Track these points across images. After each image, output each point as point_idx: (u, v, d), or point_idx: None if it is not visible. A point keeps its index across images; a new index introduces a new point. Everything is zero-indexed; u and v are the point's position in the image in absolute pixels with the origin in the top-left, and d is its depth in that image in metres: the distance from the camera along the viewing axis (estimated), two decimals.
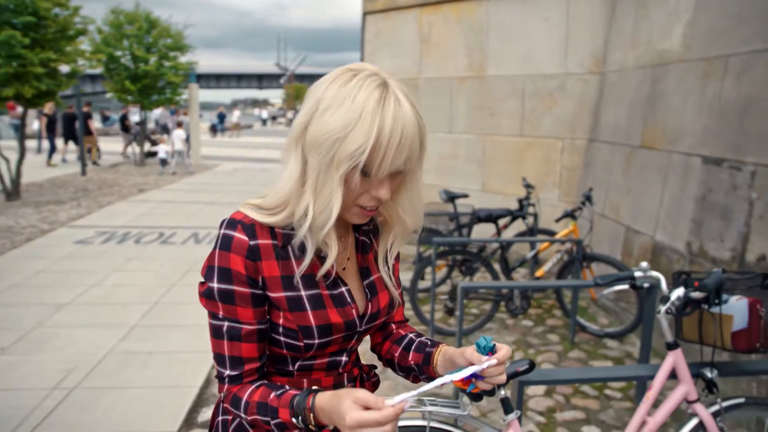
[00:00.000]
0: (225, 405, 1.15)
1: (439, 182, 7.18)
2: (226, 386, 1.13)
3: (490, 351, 1.11)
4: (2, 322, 4.54)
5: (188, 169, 15.53)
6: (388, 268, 1.27)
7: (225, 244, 1.08)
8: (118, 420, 3.22)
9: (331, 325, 1.13)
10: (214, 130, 34.30)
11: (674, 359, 2.18)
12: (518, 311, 4.94)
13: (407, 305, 4.67)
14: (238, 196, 11.09)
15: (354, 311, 1.17)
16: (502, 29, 6.96)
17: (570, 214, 4.95)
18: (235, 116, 37.03)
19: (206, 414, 3.36)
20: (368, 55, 8.48)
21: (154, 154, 16.85)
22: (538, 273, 5.20)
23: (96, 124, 17.57)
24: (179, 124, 16.56)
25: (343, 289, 1.17)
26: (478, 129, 7.31)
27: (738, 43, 3.87)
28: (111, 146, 20.31)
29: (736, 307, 2.13)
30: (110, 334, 4.37)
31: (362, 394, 0.95)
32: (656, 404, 2.27)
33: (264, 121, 57.94)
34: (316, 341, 1.12)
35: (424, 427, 1.81)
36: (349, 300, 1.17)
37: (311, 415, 1.02)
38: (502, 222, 5.49)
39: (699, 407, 2.16)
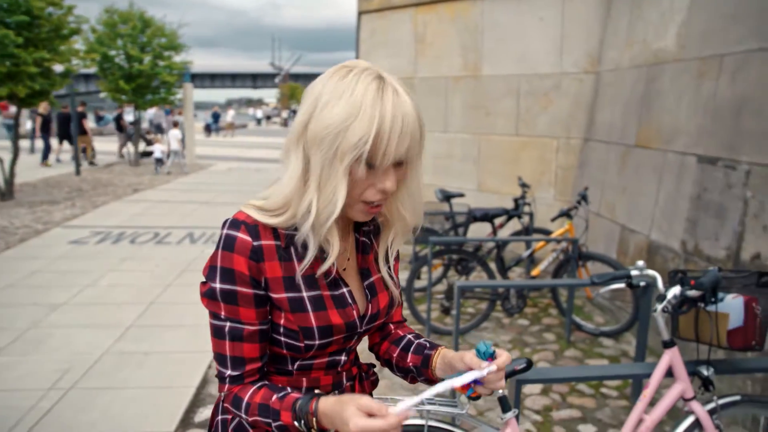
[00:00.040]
0: (225, 405, 1.15)
1: (435, 182, 7.19)
2: (226, 386, 1.13)
3: (490, 356, 1.12)
4: None
5: (183, 168, 15.49)
6: (389, 267, 1.28)
7: (228, 244, 1.08)
8: (115, 420, 3.21)
9: (331, 326, 1.13)
10: (208, 129, 34.21)
11: (671, 357, 2.19)
12: (514, 310, 4.95)
13: (404, 304, 4.68)
14: (233, 196, 11.08)
15: (355, 312, 1.18)
16: (497, 29, 6.98)
17: (566, 214, 4.97)
18: (229, 116, 36.96)
19: (203, 414, 3.35)
20: (363, 55, 8.48)
21: (149, 153, 16.80)
22: (534, 272, 5.22)
23: (90, 123, 17.48)
24: (175, 124, 16.52)
25: (345, 290, 1.17)
26: (473, 128, 7.32)
27: (732, 43, 3.89)
28: (105, 146, 20.23)
29: (732, 306, 2.14)
30: (106, 335, 4.35)
31: (366, 401, 0.95)
32: (652, 402, 2.28)
33: (259, 121, 57.83)
34: (317, 342, 1.13)
35: (422, 426, 1.82)
36: (350, 301, 1.17)
37: (314, 419, 1.02)
38: (497, 221, 5.50)
39: (695, 405, 2.17)
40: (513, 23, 6.85)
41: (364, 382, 1.31)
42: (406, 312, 4.65)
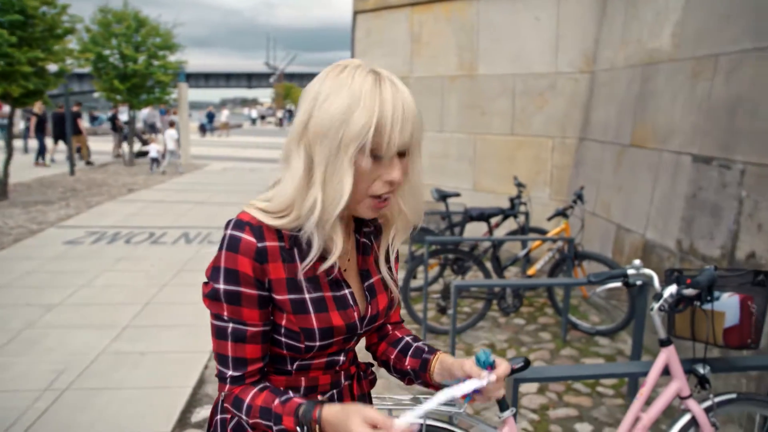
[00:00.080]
0: (226, 405, 1.15)
1: (431, 181, 7.19)
2: (227, 386, 1.13)
3: (490, 365, 1.13)
4: None
5: (178, 168, 15.46)
6: (389, 268, 1.28)
7: (233, 245, 1.07)
8: (111, 421, 3.20)
9: (332, 327, 1.13)
10: (203, 129, 34.16)
11: (667, 356, 2.20)
12: (510, 309, 4.96)
13: (401, 304, 4.68)
14: (228, 196, 11.07)
15: (356, 314, 1.18)
16: (492, 28, 6.99)
17: (562, 213, 4.98)
18: (223, 115, 36.90)
19: (200, 414, 3.35)
20: (359, 54, 8.48)
21: (145, 153, 16.76)
22: (530, 271, 5.23)
23: (84, 123, 17.41)
24: (171, 124, 16.49)
25: (347, 291, 1.17)
26: (469, 128, 7.33)
27: (727, 43, 3.91)
28: (100, 146, 20.15)
29: (728, 304, 2.16)
30: (101, 335, 4.34)
31: (371, 413, 0.96)
32: (648, 401, 2.29)
33: (253, 121, 57.77)
34: (318, 343, 1.13)
35: (420, 424, 1.82)
36: (351, 303, 1.17)
37: (317, 426, 1.02)
38: (494, 221, 5.51)
39: (691, 403, 2.18)
40: (508, 23, 6.86)
41: (363, 381, 1.31)
42: (402, 312, 4.65)
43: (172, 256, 6.64)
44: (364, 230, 1.25)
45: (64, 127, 15.21)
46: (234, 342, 1.10)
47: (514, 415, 1.93)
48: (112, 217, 8.93)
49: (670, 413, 2.85)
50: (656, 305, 2.13)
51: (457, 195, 5.97)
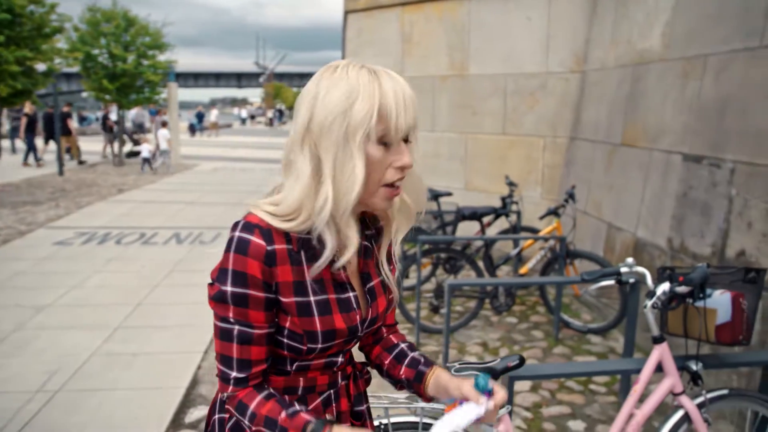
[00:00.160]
0: (228, 407, 1.14)
1: None
2: (230, 388, 1.12)
3: (488, 392, 1.15)
4: None
5: (168, 168, 15.39)
6: (392, 264, 1.29)
7: (241, 247, 1.07)
8: (104, 422, 3.19)
9: (335, 330, 1.14)
10: (192, 129, 33.98)
11: (660, 352, 2.22)
12: (503, 308, 4.98)
13: None
14: (219, 196, 11.02)
15: (358, 317, 1.18)
16: (483, 28, 7.01)
17: (553, 212, 5.00)
18: (213, 115, 36.69)
19: (193, 415, 3.34)
20: (350, 54, 8.48)
21: (137, 153, 16.68)
22: (522, 270, 5.25)
23: (73, 123, 17.27)
24: (164, 124, 16.42)
25: (351, 294, 1.18)
26: (460, 127, 7.35)
27: (716, 43, 3.94)
28: (89, 146, 20.01)
29: (720, 301, 2.18)
30: (93, 336, 4.31)
31: None
32: (641, 398, 2.31)
33: (243, 120, 57.58)
34: (319, 345, 1.13)
35: (417, 423, 1.83)
36: (354, 305, 1.18)
37: None
38: (486, 220, 5.53)
39: (684, 399, 2.20)
40: (499, 23, 6.89)
41: (359, 380, 1.32)
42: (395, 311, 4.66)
43: (164, 257, 6.61)
44: (366, 233, 1.25)
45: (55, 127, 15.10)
46: (239, 344, 1.10)
47: (510, 413, 1.94)
48: (102, 217, 8.88)
49: (663, 410, 2.87)
50: (649, 303, 2.15)
51: (449, 194, 5.98)
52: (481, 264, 5.07)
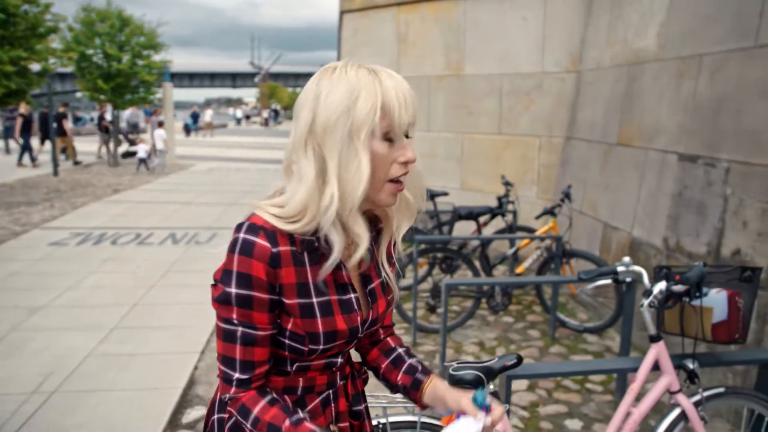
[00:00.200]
0: (230, 409, 1.14)
1: None
2: (233, 389, 1.12)
3: (486, 408, 1.16)
4: None
5: (164, 169, 15.37)
6: (392, 262, 1.29)
7: (246, 249, 1.06)
8: (101, 423, 3.18)
9: (336, 331, 1.14)
10: (187, 129, 33.89)
11: (657, 351, 2.23)
12: (499, 308, 4.99)
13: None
14: (214, 196, 11.00)
15: (359, 318, 1.18)
16: (479, 28, 7.02)
17: (549, 211, 5.02)
18: (207, 115, 36.59)
19: (190, 415, 3.33)
20: (345, 54, 8.48)
21: (133, 154, 16.64)
22: (519, 270, 5.26)
23: (68, 124, 17.23)
24: (161, 124, 16.39)
25: (352, 295, 1.18)
26: (456, 127, 7.36)
27: (711, 43, 3.96)
28: (83, 146, 19.94)
29: (716, 300, 2.19)
30: (89, 337, 4.30)
31: None
32: (638, 396, 2.32)
33: (238, 121, 57.48)
34: (321, 347, 1.13)
35: (415, 422, 1.83)
36: (356, 307, 1.18)
37: None
38: (482, 219, 5.54)
39: (681, 397, 2.21)
40: (495, 23, 6.90)
41: (356, 380, 1.33)
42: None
43: (159, 257, 6.59)
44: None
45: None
46: (243, 345, 1.10)
47: (507, 412, 1.95)
48: (97, 218, 8.85)
49: (659, 408, 2.88)
50: (646, 301, 2.16)
51: (446, 194, 5.99)
52: (477, 264, 5.08)
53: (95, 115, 19.82)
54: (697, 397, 2.23)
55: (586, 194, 5.69)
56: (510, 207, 5.63)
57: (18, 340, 4.22)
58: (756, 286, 2.23)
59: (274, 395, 1.14)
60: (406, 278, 5.48)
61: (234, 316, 1.08)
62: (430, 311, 5.00)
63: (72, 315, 4.74)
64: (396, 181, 1.11)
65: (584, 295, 5.21)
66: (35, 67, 10.77)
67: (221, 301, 1.08)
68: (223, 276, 1.08)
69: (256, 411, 1.10)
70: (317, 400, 1.22)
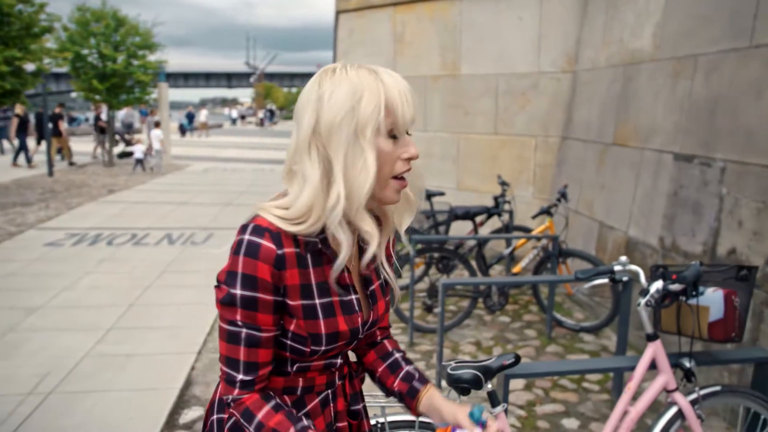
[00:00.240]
0: (233, 411, 1.14)
1: None
2: (236, 391, 1.12)
3: (482, 424, 1.18)
4: None
5: (160, 169, 15.34)
6: (393, 259, 1.30)
7: (251, 251, 1.06)
8: (98, 424, 3.17)
9: (338, 332, 1.14)
10: (182, 130, 33.82)
11: (654, 350, 2.24)
12: (496, 307, 5.00)
13: None
14: (210, 197, 10.98)
15: (359, 319, 1.19)
16: (475, 28, 7.03)
17: (546, 211, 5.03)
18: (202, 115, 36.50)
19: (188, 416, 3.32)
20: (341, 54, 8.48)
21: (129, 154, 16.60)
22: (515, 269, 5.27)
23: (64, 125, 17.16)
24: (157, 124, 16.35)
25: (353, 297, 1.19)
26: (452, 127, 7.37)
27: (706, 43, 3.98)
28: (79, 147, 19.87)
29: (712, 299, 2.20)
30: (85, 337, 4.29)
31: None
32: (635, 395, 2.33)
33: (234, 121, 57.41)
34: (323, 348, 1.14)
35: (413, 422, 1.84)
36: (357, 308, 1.19)
37: None
38: (478, 219, 5.55)
39: (678, 396, 2.22)
40: (491, 23, 6.91)
41: (354, 380, 1.33)
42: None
43: (156, 258, 6.57)
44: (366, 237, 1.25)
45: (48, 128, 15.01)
46: (247, 347, 1.10)
47: (505, 411, 1.95)
48: (93, 218, 8.82)
49: (656, 407, 2.90)
50: (643, 300, 2.17)
51: (442, 194, 5.99)
52: (474, 263, 5.09)
53: (90, 115, 19.75)
54: (693, 396, 2.24)
55: (582, 194, 5.71)
56: (506, 207, 5.64)
57: (14, 341, 4.20)
58: (752, 285, 2.24)
59: (278, 400, 1.14)
60: (402, 278, 5.48)
61: (238, 317, 1.08)
62: (427, 311, 5.00)
63: (68, 316, 4.72)
64: (400, 177, 1.12)
65: (580, 294, 5.23)
66: (30, 67, 10.74)
67: (226, 302, 1.08)
68: (227, 278, 1.08)
69: (260, 416, 1.10)
70: (316, 400, 1.22)
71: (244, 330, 1.09)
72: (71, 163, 16.23)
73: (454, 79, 7.28)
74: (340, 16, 8.44)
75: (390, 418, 1.84)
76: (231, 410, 1.15)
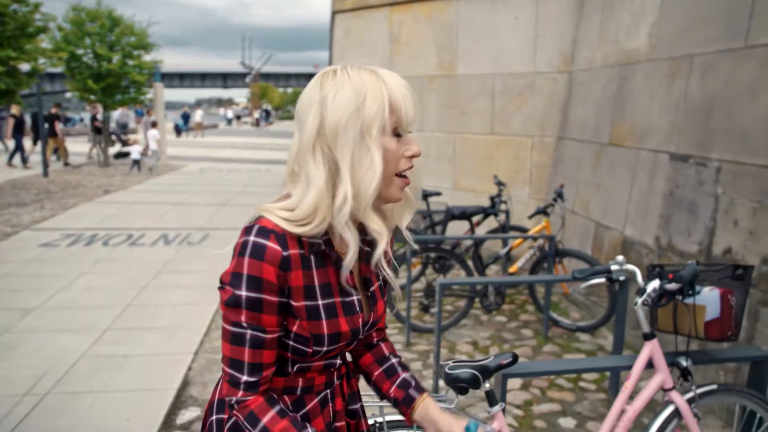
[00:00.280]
0: (236, 413, 1.13)
1: None
2: (240, 392, 1.11)
3: None
4: None
5: (156, 169, 15.31)
6: (392, 259, 1.30)
7: (257, 252, 1.05)
8: (95, 425, 3.16)
9: (340, 333, 1.15)
10: (177, 130, 33.74)
11: (651, 349, 2.24)
12: (492, 307, 5.01)
13: None
14: (206, 197, 10.96)
15: (360, 320, 1.20)
16: (471, 28, 7.04)
17: (542, 211, 5.04)
18: (197, 116, 36.42)
19: (185, 416, 3.32)
20: (338, 54, 8.47)
21: (126, 154, 16.55)
22: (512, 269, 5.28)
23: (59, 125, 17.11)
24: (154, 124, 16.32)
25: (355, 297, 1.19)
26: (448, 127, 7.38)
27: (702, 43, 3.99)
28: (74, 147, 19.81)
29: (709, 298, 2.21)
30: (82, 338, 4.27)
31: None
32: (632, 394, 2.34)
33: (229, 121, 57.31)
34: (325, 348, 1.14)
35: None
36: (358, 309, 1.19)
37: None
38: (475, 219, 5.56)
39: (675, 395, 2.23)
40: (487, 23, 6.92)
41: (351, 379, 1.34)
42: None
43: (152, 258, 6.56)
44: (366, 239, 1.25)
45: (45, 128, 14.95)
46: (251, 348, 1.09)
47: (503, 410, 1.96)
48: (88, 218, 8.80)
49: (652, 406, 2.91)
50: (640, 300, 2.17)
51: (438, 194, 6.00)
52: (470, 263, 5.10)
53: (85, 115, 19.71)
54: (690, 395, 2.25)
55: (579, 194, 5.72)
56: (503, 207, 5.65)
57: (10, 341, 4.19)
58: (748, 284, 2.25)
59: (282, 406, 1.14)
60: (399, 278, 5.49)
61: (243, 318, 1.08)
62: (424, 311, 5.01)
63: (64, 316, 4.71)
64: (403, 175, 1.14)
65: (577, 294, 5.24)
66: (25, 67, 10.69)
67: (231, 304, 1.08)
68: (232, 279, 1.07)
69: (265, 420, 1.10)
70: (316, 400, 1.23)
71: (249, 331, 1.08)
72: (66, 164, 16.18)
73: (450, 79, 7.29)
74: (336, 17, 8.43)
75: (388, 418, 1.84)
76: (234, 412, 1.14)
